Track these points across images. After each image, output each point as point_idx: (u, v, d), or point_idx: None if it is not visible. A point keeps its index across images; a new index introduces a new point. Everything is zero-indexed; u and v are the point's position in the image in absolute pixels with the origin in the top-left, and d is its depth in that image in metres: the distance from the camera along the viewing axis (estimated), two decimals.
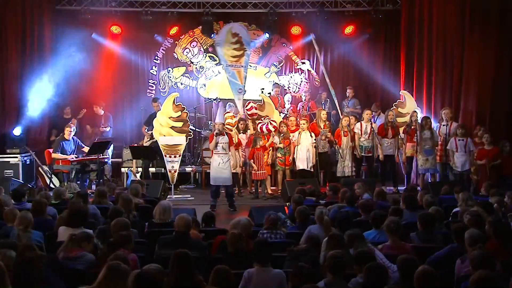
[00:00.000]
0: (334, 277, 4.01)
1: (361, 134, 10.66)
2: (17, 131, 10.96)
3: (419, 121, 10.47)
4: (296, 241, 5.39)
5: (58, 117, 11.81)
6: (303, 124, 10.62)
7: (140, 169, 11.03)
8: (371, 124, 10.64)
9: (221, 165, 9.34)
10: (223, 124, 9.77)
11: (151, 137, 10.90)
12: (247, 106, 11.39)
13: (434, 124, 10.66)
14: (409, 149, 10.55)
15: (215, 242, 5.37)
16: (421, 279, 3.75)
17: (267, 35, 12.74)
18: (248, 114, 11.23)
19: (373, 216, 5.65)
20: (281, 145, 10.60)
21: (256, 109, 11.22)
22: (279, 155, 10.66)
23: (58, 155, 10.22)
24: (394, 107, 11.16)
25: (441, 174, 10.32)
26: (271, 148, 10.67)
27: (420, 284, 3.75)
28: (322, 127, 10.82)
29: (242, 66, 11.47)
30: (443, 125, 10.26)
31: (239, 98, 11.58)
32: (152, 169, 11.23)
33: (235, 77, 11.54)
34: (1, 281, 3.70)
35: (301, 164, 10.60)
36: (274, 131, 10.66)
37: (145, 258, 4.84)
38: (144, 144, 11.27)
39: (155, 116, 10.73)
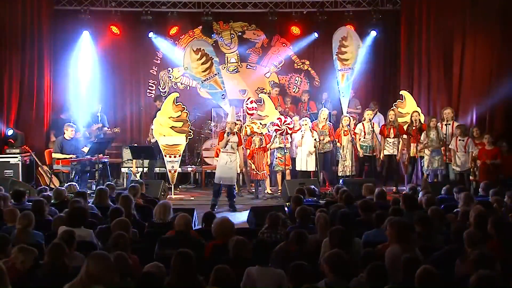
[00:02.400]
0: (335, 277, 4.01)
1: (365, 134, 10.66)
2: (9, 131, 10.97)
3: (422, 121, 10.46)
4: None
5: (57, 118, 11.81)
6: (305, 124, 10.62)
7: (140, 169, 11.04)
8: (372, 124, 10.64)
9: (228, 163, 9.32)
10: (235, 123, 9.74)
11: None
12: (247, 101, 11.39)
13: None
14: (411, 149, 10.53)
15: (207, 247, 5.17)
16: (422, 279, 3.76)
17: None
18: (248, 108, 11.20)
19: (376, 216, 5.67)
20: (281, 145, 10.61)
21: (255, 102, 11.23)
22: (278, 155, 10.67)
23: (58, 155, 10.21)
24: (394, 107, 11.16)
25: (443, 174, 10.30)
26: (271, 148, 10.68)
27: (422, 284, 3.75)
28: (321, 128, 10.83)
29: (215, 74, 11.46)
30: (445, 125, 10.25)
31: (225, 104, 11.56)
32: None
33: (214, 87, 11.53)
34: (1, 281, 3.71)
35: (302, 165, 10.60)
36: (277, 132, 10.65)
37: (145, 258, 4.83)
38: (151, 141, 11.25)
39: None
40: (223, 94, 11.59)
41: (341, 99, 11.68)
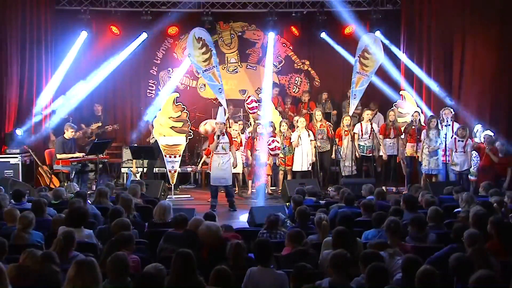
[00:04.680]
0: (338, 276, 4.01)
1: (362, 134, 10.67)
2: (19, 131, 10.96)
3: (422, 121, 10.45)
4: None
5: (56, 117, 11.80)
6: (302, 123, 10.61)
7: (140, 169, 11.03)
8: (371, 124, 10.64)
9: (221, 165, 9.32)
10: (224, 124, 9.74)
11: None
12: (247, 100, 11.38)
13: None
14: (409, 149, 10.54)
15: (203, 251, 4.98)
16: (422, 279, 3.76)
17: (273, 34, 12.55)
18: (248, 108, 11.21)
19: (375, 216, 5.67)
20: (282, 145, 10.59)
21: (256, 102, 11.21)
22: (280, 155, 10.65)
23: (63, 156, 10.15)
24: (394, 107, 11.16)
25: (443, 175, 10.29)
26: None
27: (422, 284, 3.75)
28: (318, 127, 10.81)
29: (214, 67, 11.47)
30: (445, 125, 10.25)
31: (222, 98, 11.56)
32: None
33: (212, 79, 11.53)
34: (1, 281, 3.70)
35: (299, 165, 10.59)
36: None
37: (145, 258, 4.83)
38: (151, 142, 11.26)
39: None
40: (219, 88, 11.57)
41: (351, 100, 11.55)
